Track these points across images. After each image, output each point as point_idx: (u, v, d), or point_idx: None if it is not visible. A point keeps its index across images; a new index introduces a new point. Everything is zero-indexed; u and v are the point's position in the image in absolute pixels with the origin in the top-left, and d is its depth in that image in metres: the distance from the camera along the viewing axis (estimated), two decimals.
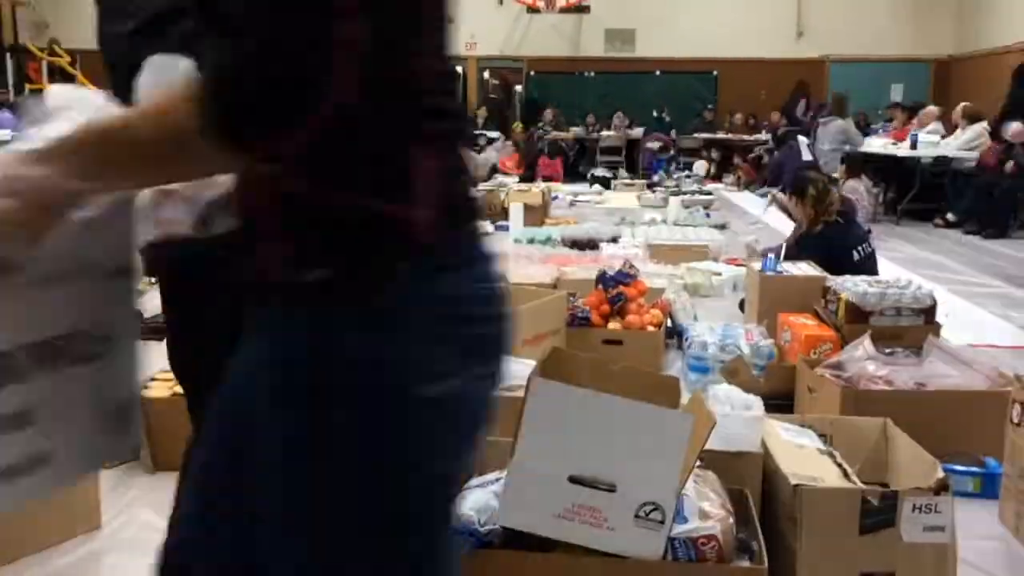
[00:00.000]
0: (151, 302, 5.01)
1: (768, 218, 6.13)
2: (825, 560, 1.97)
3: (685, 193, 10.42)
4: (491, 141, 14.19)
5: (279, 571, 0.97)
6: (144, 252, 1.15)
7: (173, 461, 2.72)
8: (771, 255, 4.39)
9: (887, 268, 4.89)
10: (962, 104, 10.38)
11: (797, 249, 4.61)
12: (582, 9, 15.34)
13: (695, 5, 15.68)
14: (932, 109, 10.98)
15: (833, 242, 4.54)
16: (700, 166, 13.67)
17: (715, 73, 15.92)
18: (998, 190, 8.53)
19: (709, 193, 10.91)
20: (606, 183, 12.58)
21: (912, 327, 3.47)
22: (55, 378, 1.05)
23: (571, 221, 8.44)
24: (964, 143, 9.51)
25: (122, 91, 1.17)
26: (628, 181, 12.74)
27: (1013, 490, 2.44)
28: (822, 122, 11.30)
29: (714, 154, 14.32)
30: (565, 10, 15.08)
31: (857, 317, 3.50)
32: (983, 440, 2.72)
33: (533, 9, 15.28)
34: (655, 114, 15.05)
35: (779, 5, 15.67)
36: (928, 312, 3.54)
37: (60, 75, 15.19)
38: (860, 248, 4.56)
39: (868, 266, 4.46)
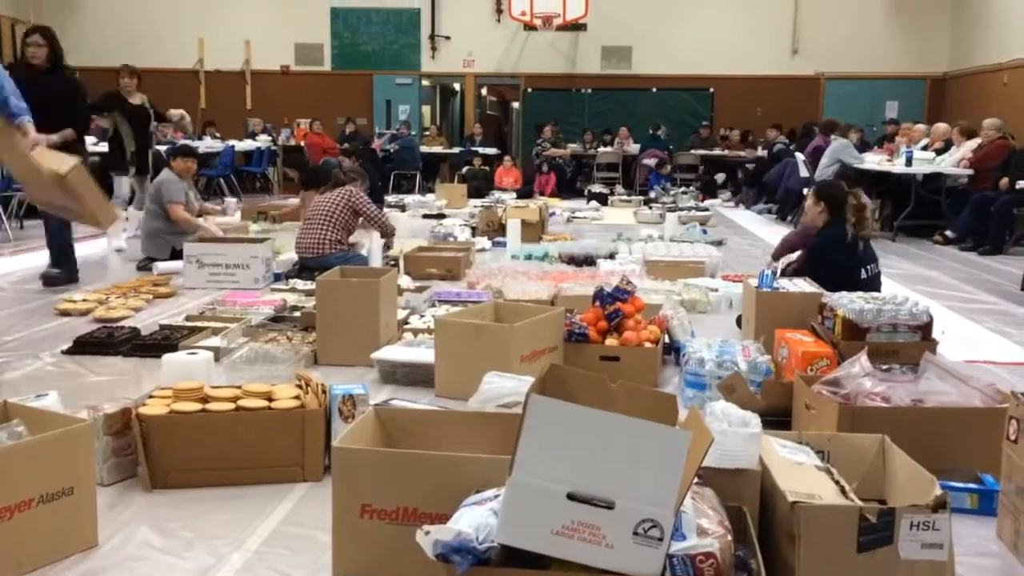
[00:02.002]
0: (147, 319, 5.04)
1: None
2: None
3: (682, 209, 10.45)
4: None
5: None
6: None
7: (170, 479, 2.74)
8: (767, 270, 4.40)
9: (884, 284, 4.90)
10: (940, 124, 10.57)
11: (809, 255, 4.64)
12: (579, 27, 15.43)
13: (691, 23, 15.78)
14: (920, 127, 11.28)
15: (849, 255, 4.56)
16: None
17: (711, 90, 16.02)
18: (994, 207, 8.56)
19: (706, 209, 10.95)
20: (603, 199, 12.62)
21: (909, 343, 3.47)
22: None
23: (568, 237, 8.47)
24: (958, 160, 9.54)
25: None
26: (625, 197, 12.78)
27: (1010, 507, 2.44)
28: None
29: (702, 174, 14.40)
30: (562, 28, 15.16)
31: (854, 333, 3.51)
32: (980, 457, 2.72)
33: (530, 27, 15.36)
34: (651, 131, 15.10)
35: (775, 23, 15.76)
36: (925, 328, 3.55)
37: None
38: (868, 268, 4.59)
39: (872, 286, 4.48)
